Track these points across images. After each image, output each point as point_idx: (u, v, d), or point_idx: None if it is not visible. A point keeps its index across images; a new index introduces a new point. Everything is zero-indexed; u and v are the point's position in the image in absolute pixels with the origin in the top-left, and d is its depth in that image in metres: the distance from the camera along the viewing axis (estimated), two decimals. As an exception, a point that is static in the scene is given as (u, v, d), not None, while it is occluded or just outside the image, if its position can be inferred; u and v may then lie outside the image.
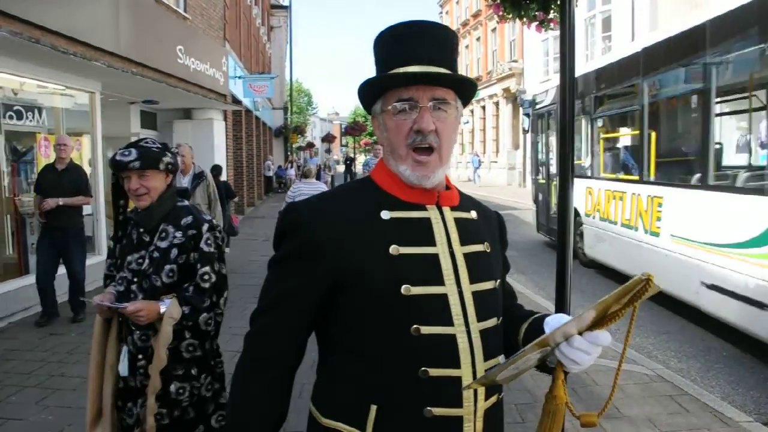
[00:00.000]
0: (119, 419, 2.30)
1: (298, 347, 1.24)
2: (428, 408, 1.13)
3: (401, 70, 1.19)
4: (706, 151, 5.51)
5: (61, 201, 5.46)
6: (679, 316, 6.17)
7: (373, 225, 1.18)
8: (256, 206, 19.30)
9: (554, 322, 1.21)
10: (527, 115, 12.04)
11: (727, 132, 6.16)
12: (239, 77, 15.41)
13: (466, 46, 34.72)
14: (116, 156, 2.24)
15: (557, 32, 3.00)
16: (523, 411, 3.78)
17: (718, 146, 5.83)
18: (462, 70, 1.61)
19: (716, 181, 5.60)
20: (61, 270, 5.77)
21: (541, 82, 21.10)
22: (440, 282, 1.17)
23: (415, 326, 1.13)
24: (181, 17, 10.77)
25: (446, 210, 1.25)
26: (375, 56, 1.29)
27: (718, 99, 5.72)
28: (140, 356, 2.22)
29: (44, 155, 6.75)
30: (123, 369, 2.26)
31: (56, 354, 4.89)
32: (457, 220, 1.25)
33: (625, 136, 8.18)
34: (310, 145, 43.79)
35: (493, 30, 30.87)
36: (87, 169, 7.37)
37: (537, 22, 3.85)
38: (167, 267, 2.22)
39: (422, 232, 1.20)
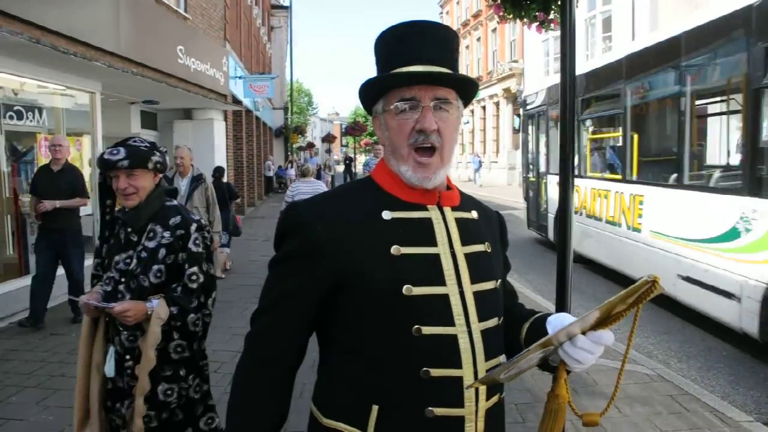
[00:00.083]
0: (108, 420, 2.28)
1: (299, 347, 1.24)
2: (429, 408, 1.13)
3: (403, 69, 1.19)
4: (682, 152, 5.93)
5: (58, 203, 5.44)
6: (679, 316, 6.17)
7: (374, 225, 1.19)
8: (257, 206, 19.30)
9: (556, 321, 1.21)
10: (518, 115, 12.43)
11: (702, 135, 6.37)
12: (239, 77, 15.41)
13: (467, 47, 34.72)
14: (104, 155, 2.22)
15: (557, 32, 3.00)
16: (523, 411, 3.78)
17: (693, 148, 6.16)
18: (462, 71, 1.61)
19: (691, 181, 6.00)
20: (60, 271, 5.76)
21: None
22: (441, 282, 1.17)
23: (416, 326, 1.13)
24: (182, 17, 10.78)
25: (447, 210, 1.25)
26: (376, 56, 1.29)
27: (693, 104, 6.04)
28: (128, 357, 2.20)
29: (44, 155, 6.75)
30: (109, 370, 2.23)
31: (57, 354, 4.89)
32: (458, 221, 1.25)
33: (610, 138, 8.49)
34: (311, 145, 43.79)
35: (494, 30, 30.88)
36: (87, 170, 7.38)
37: (537, 23, 3.85)
38: (155, 267, 2.20)
39: (423, 233, 1.20)
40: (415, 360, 1.13)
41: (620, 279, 7.30)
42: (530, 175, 11.43)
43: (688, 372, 4.78)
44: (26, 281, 6.12)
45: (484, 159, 32.26)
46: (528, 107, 11.54)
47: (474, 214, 1.31)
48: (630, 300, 1.01)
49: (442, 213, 1.24)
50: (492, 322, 1.22)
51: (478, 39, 33.70)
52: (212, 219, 6.38)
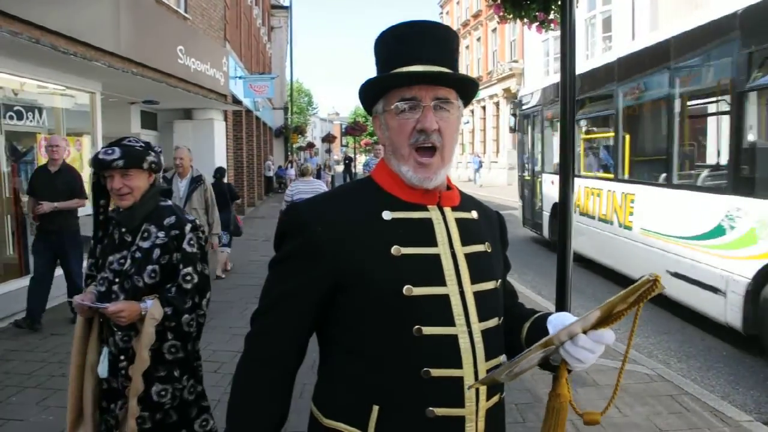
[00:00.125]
0: (104, 420, 2.27)
1: (299, 348, 1.24)
2: (430, 408, 1.13)
3: (404, 69, 1.19)
4: (671, 153, 6.20)
5: (56, 205, 5.40)
6: (678, 316, 6.17)
7: (375, 225, 1.19)
8: (257, 206, 19.30)
9: (557, 321, 1.21)
10: (514, 114, 12.68)
11: (690, 136, 6.59)
12: (240, 77, 15.42)
13: (467, 47, 34.72)
14: (99, 155, 2.21)
15: (557, 32, 3.00)
16: (523, 411, 3.78)
17: (681, 149, 6.40)
18: (462, 71, 1.62)
19: (679, 180, 6.23)
20: (58, 271, 5.75)
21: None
22: (442, 282, 1.17)
23: (416, 326, 1.13)
24: (182, 17, 10.78)
25: (447, 210, 1.25)
26: (376, 56, 1.29)
27: (682, 106, 6.25)
28: (122, 357, 2.19)
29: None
30: (102, 371, 2.22)
31: (57, 354, 4.89)
32: (458, 221, 1.25)
33: (603, 138, 8.67)
34: (311, 146, 43.80)
35: (494, 30, 30.88)
36: (87, 170, 7.38)
37: (537, 23, 3.86)
38: (149, 267, 2.19)
39: (423, 233, 1.20)
40: (415, 360, 1.13)
41: (620, 279, 7.30)
42: (525, 174, 11.68)
43: (688, 372, 4.78)
44: (26, 281, 6.11)
45: (484, 159, 32.26)
46: (523, 107, 11.75)
47: (474, 214, 1.31)
48: (631, 299, 1.01)
49: (443, 213, 1.24)
50: (492, 322, 1.22)
51: (478, 39, 33.70)
52: (211, 221, 6.33)
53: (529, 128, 11.36)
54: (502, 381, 1.13)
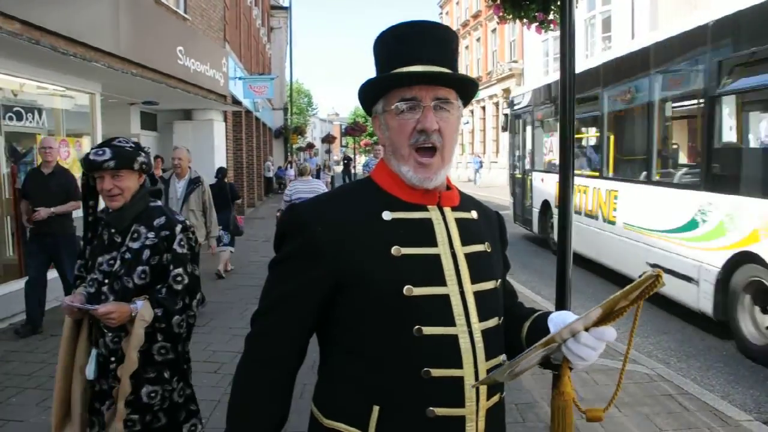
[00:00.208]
0: (96, 422, 2.25)
1: (300, 348, 1.24)
2: (430, 408, 1.13)
3: (404, 69, 1.19)
4: (651, 152, 6.72)
5: (53, 210, 5.35)
6: (678, 316, 6.17)
7: (375, 226, 1.19)
8: (256, 207, 19.30)
9: (558, 319, 1.22)
10: (506, 114, 13.19)
11: (668, 137, 6.93)
12: (239, 78, 15.42)
13: (466, 47, 34.73)
14: (90, 155, 2.18)
15: (557, 33, 3.01)
16: (523, 411, 3.78)
17: (660, 148, 6.80)
18: (462, 71, 1.62)
19: (658, 178, 6.68)
20: (53, 274, 5.71)
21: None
22: (442, 282, 1.17)
23: (417, 327, 1.13)
24: (181, 18, 10.78)
25: (447, 210, 1.25)
26: (375, 57, 1.29)
27: (661, 110, 6.67)
28: (112, 359, 2.17)
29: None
30: (90, 372, 2.20)
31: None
32: (458, 221, 1.26)
33: (589, 138, 9.02)
34: (310, 146, 43.77)
35: (493, 31, 30.88)
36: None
37: (537, 23, 3.86)
38: (139, 268, 2.18)
39: (424, 233, 1.20)
40: (415, 360, 1.13)
41: (619, 279, 7.30)
42: (516, 172, 12.19)
43: (687, 371, 4.78)
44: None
45: (484, 159, 32.26)
46: (515, 108, 12.19)
47: (474, 214, 1.31)
48: (633, 295, 1.01)
49: (442, 213, 1.24)
50: (492, 322, 1.22)
51: (478, 39, 33.71)
52: (209, 224, 6.27)
53: (521, 128, 11.82)
54: (503, 381, 1.14)
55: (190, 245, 2.28)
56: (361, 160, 32.81)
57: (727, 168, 5.47)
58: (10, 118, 6.43)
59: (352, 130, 35.20)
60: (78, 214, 5.84)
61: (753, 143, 5.35)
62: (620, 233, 7.22)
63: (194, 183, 6.24)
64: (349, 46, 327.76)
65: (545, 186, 10.21)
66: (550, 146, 9.98)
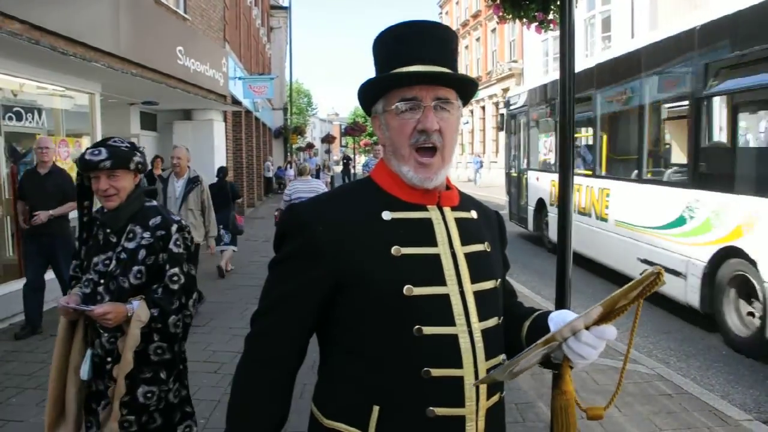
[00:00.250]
0: (93, 422, 2.24)
1: (300, 348, 1.24)
2: (430, 408, 1.13)
3: (404, 69, 1.19)
4: (642, 151, 6.98)
5: (52, 213, 5.32)
6: (678, 316, 6.18)
7: (374, 226, 1.19)
8: (256, 207, 19.30)
9: (558, 318, 1.22)
10: (502, 114, 13.51)
11: (658, 137, 7.12)
12: (239, 78, 15.42)
13: (466, 47, 34.71)
14: (85, 155, 2.17)
15: (557, 32, 3.00)
16: (523, 410, 3.78)
17: (650, 148, 7.06)
18: (462, 71, 1.61)
19: (648, 176, 6.95)
20: (50, 275, 5.68)
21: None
22: (442, 282, 1.17)
23: (417, 326, 1.13)
24: (181, 18, 10.77)
25: (447, 210, 1.26)
26: (375, 57, 1.29)
27: (651, 110, 6.93)
28: (108, 359, 2.16)
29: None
30: (84, 372, 2.19)
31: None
32: (457, 220, 1.26)
33: (583, 137, 9.17)
34: (310, 146, 43.77)
35: (493, 30, 30.87)
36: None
37: (537, 23, 3.85)
38: (135, 268, 2.17)
39: (423, 233, 1.20)
40: (415, 360, 1.13)
41: (618, 279, 7.30)
42: (512, 171, 12.44)
43: (687, 371, 4.78)
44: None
45: (484, 159, 32.25)
46: (511, 108, 12.40)
47: (473, 214, 1.31)
48: (633, 294, 1.02)
49: (442, 213, 1.24)
50: (492, 322, 1.22)
51: (478, 39, 33.70)
52: (207, 223, 6.23)
53: (516, 128, 12.06)
54: (503, 380, 1.14)
55: (186, 245, 2.28)
56: (360, 160, 32.80)
57: (713, 166, 5.69)
58: (10, 119, 6.42)
59: (352, 130, 35.20)
60: (74, 214, 5.83)
61: (738, 143, 5.60)
62: (612, 230, 7.46)
63: (193, 182, 6.20)
64: (349, 46, 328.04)
65: (540, 184, 10.45)
66: (549, 146, 10.18)
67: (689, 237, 5.77)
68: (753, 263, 4.85)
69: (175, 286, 2.19)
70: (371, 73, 1.30)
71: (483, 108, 32.76)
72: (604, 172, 8.07)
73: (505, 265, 1.39)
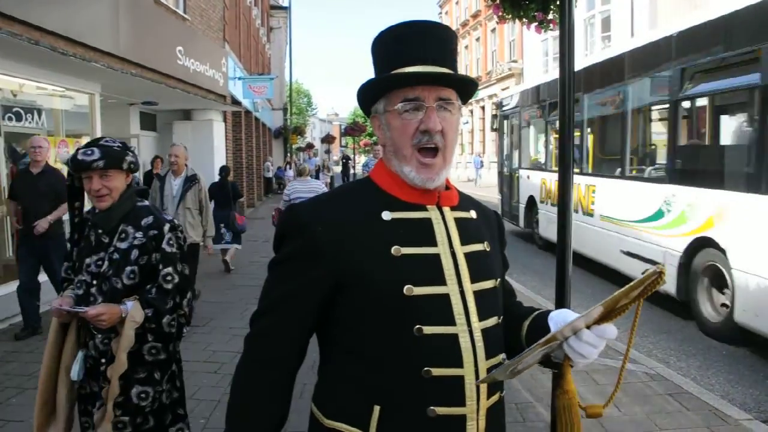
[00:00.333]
0: (89, 424, 2.23)
1: (299, 348, 1.24)
2: (431, 407, 1.13)
3: (406, 70, 1.19)
4: (624, 150, 7.41)
5: (50, 218, 5.30)
6: (678, 315, 6.18)
7: (374, 226, 1.19)
8: (256, 207, 19.29)
9: (559, 317, 1.22)
10: (495, 115, 13.81)
11: (639, 137, 7.49)
12: (239, 78, 15.41)
13: (466, 47, 34.71)
14: (78, 155, 2.15)
15: (557, 32, 3.00)
16: (523, 410, 3.78)
17: (632, 147, 7.48)
18: (461, 71, 1.61)
19: (630, 173, 7.40)
20: (43, 276, 5.65)
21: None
22: (442, 282, 1.17)
23: (417, 326, 1.13)
24: (181, 18, 10.77)
25: (446, 210, 1.26)
26: (375, 57, 1.29)
27: (634, 111, 7.35)
28: (102, 360, 2.15)
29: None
30: (74, 374, 2.18)
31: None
32: (457, 220, 1.26)
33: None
34: (310, 146, 43.75)
35: (493, 30, 30.87)
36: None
37: (536, 23, 3.85)
38: (128, 269, 2.16)
39: (423, 233, 1.21)
40: (416, 360, 1.13)
41: (618, 279, 7.30)
42: (504, 170, 12.87)
43: (687, 371, 4.78)
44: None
45: (484, 159, 32.24)
46: (503, 109, 12.83)
47: (473, 214, 1.31)
48: (634, 293, 1.02)
49: (442, 213, 1.25)
50: (492, 321, 1.22)
51: (478, 39, 33.70)
52: (205, 223, 6.18)
53: (508, 128, 12.50)
54: (506, 378, 1.14)
55: (179, 244, 2.27)
56: (360, 160, 32.76)
57: (688, 163, 6.19)
58: (10, 119, 6.42)
59: (352, 130, 35.19)
60: (65, 215, 5.80)
61: (711, 141, 6.21)
62: (597, 225, 7.88)
63: (191, 181, 6.13)
64: (348, 46, 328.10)
65: (531, 183, 10.81)
66: (540, 146, 10.57)
67: (667, 229, 6.17)
68: (723, 251, 5.24)
69: (169, 286, 2.18)
70: (371, 73, 1.30)
71: (483, 108, 32.75)
72: (590, 170, 8.49)
73: (504, 264, 1.40)
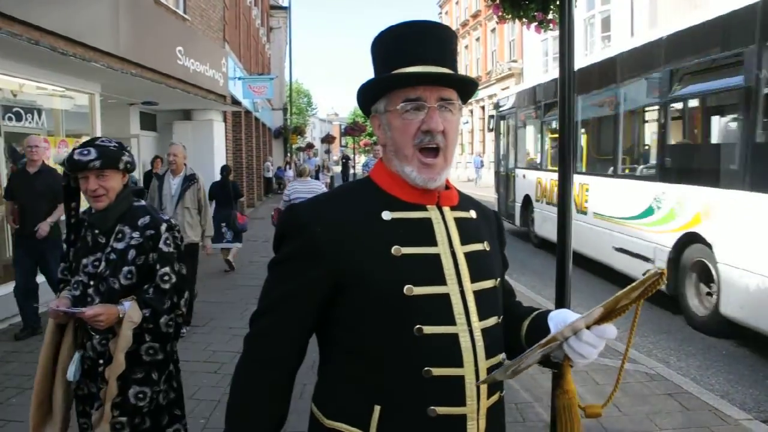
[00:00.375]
0: (88, 426, 2.23)
1: (299, 348, 1.24)
2: (432, 407, 1.13)
3: (406, 70, 1.19)
4: (617, 150, 7.70)
5: (50, 221, 5.29)
6: (678, 315, 6.18)
7: (374, 226, 1.19)
8: (256, 207, 19.29)
9: (559, 317, 1.22)
10: (492, 116, 14.08)
11: (631, 137, 7.72)
12: (239, 78, 15.41)
13: (466, 47, 34.71)
14: (74, 155, 2.13)
15: (556, 32, 3.00)
16: (523, 410, 3.78)
17: (624, 146, 7.72)
18: (461, 71, 1.61)
19: (622, 172, 7.66)
20: (41, 278, 5.63)
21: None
22: (442, 282, 1.17)
23: (417, 326, 1.13)
24: (181, 18, 10.78)
25: (446, 210, 1.26)
26: (374, 57, 1.29)
27: (626, 112, 7.59)
28: (100, 361, 2.14)
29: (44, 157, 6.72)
30: (70, 374, 2.17)
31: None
32: (457, 220, 1.26)
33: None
34: (310, 146, 43.73)
35: (493, 30, 30.87)
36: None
37: (536, 23, 3.85)
38: (125, 269, 2.15)
39: (423, 233, 1.21)
40: (416, 360, 1.13)
41: (617, 279, 7.31)
42: (501, 169, 13.13)
43: (687, 370, 4.78)
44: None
45: (484, 159, 32.23)
46: (500, 109, 13.06)
47: (472, 214, 1.31)
48: (635, 294, 1.02)
49: (442, 213, 1.25)
50: (492, 321, 1.23)
51: (477, 39, 33.70)
52: (203, 222, 6.14)
53: (505, 128, 12.75)
54: (506, 378, 1.14)
55: (176, 244, 2.26)
56: (360, 160, 32.75)
57: (677, 161, 6.40)
58: (10, 119, 6.42)
59: (352, 130, 35.17)
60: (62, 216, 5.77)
61: (698, 140, 6.47)
62: (591, 222, 8.08)
63: (189, 180, 6.07)
64: (348, 46, 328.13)
65: (527, 182, 11.02)
66: (536, 146, 10.79)
67: (657, 225, 6.39)
68: (709, 246, 5.45)
69: (167, 286, 2.18)
70: (371, 73, 1.30)
71: (483, 108, 32.74)
72: (584, 169, 8.73)
73: (504, 264, 1.40)
